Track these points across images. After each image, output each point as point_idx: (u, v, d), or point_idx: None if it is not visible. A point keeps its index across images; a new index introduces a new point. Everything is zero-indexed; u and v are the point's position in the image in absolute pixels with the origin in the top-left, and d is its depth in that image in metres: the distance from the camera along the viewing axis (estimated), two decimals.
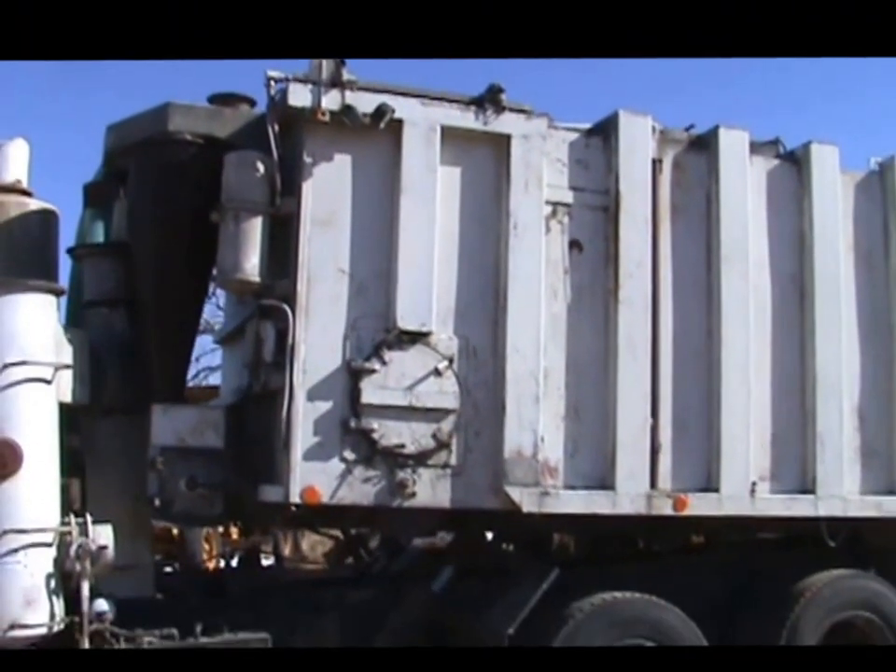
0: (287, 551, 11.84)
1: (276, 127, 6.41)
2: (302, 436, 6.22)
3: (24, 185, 6.54)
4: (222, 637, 6.27)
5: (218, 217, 6.43)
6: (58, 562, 5.92)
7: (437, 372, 6.49)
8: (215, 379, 16.84)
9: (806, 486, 7.33)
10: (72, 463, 6.56)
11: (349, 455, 6.30)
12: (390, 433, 6.36)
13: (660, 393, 7.00)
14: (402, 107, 6.48)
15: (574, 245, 6.95)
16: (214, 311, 15.71)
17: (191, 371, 15.03)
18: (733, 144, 7.32)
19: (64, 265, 7.30)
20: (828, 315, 7.45)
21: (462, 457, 6.51)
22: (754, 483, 7.13)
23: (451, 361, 6.54)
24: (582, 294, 6.94)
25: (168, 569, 9.13)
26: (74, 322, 7.18)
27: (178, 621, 6.24)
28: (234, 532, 11.81)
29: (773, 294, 7.44)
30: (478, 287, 6.70)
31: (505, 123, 6.75)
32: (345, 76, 6.36)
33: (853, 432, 7.55)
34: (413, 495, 6.38)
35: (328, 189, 6.45)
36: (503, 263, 6.68)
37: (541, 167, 6.81)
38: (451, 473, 6.48)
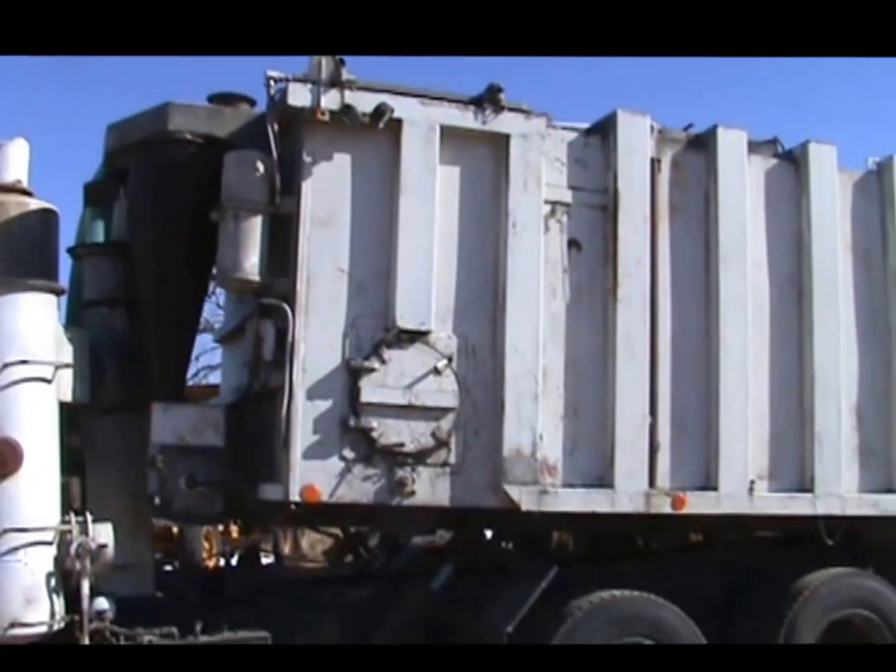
0: (286, 549, 11.87)
1: (276, 126, 6.42)
2: (302, 434, 6.23)
3: (24, 184, 6.54)
4: (222, 636, 6.28)
5: (218, 216, 6.44)
6: (58, 560, 5.93)
7: (436, 371, 6.50)
8: (215, 378, 16.87)
9: (805, 485, 7.34)
10: (72, 462, 6.57)
11: (348, 453, 6.31)
12: (389, 432, 6.38)
13: (658, 392, 7.01)
14: (402, 107, 6.49)
15: (573, 244, 6.97)
16: (214, 310, 15.76)
17: (191, 370, 15.05)
18: (731, 143, 7.34)
19: (65, 264, 7.33)
20: (826, 314, 7.47)
21: (461, 456, 6.53)
22: (752, 482, 7.14)
23: (450, 360, 6.56)
24: (581, 293, 6.95)
25: (168, 568, 9.14)
26: (74, 321, 7.19)
27: (178, 619, 6.25)
28: (234, 531, 11.83)
29: (771, 293, 7.45)
30: (477, 286, 6.71)
31: (504, 123, 6.77)
32: (345, 75, 6.37)
33: (851, 431, 7.56)
34: (413, 493, 6.39)
35: (327, 188, 6.46)
36: (502, 262, 6.70)
37: (540, 166, 6.83)
38: (450, 472, 6.50)
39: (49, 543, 5.92)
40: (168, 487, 6.53)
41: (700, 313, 7.20)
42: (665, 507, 6.94)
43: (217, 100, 7.03)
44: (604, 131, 7.11)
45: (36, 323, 6.15)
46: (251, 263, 6.36)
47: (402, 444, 6.39)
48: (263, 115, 6.63)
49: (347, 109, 6.35)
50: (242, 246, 6.36)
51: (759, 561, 7.70)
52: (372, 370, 6.38)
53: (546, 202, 6.86)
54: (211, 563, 10.96)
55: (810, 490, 7.32)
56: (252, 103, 7.07)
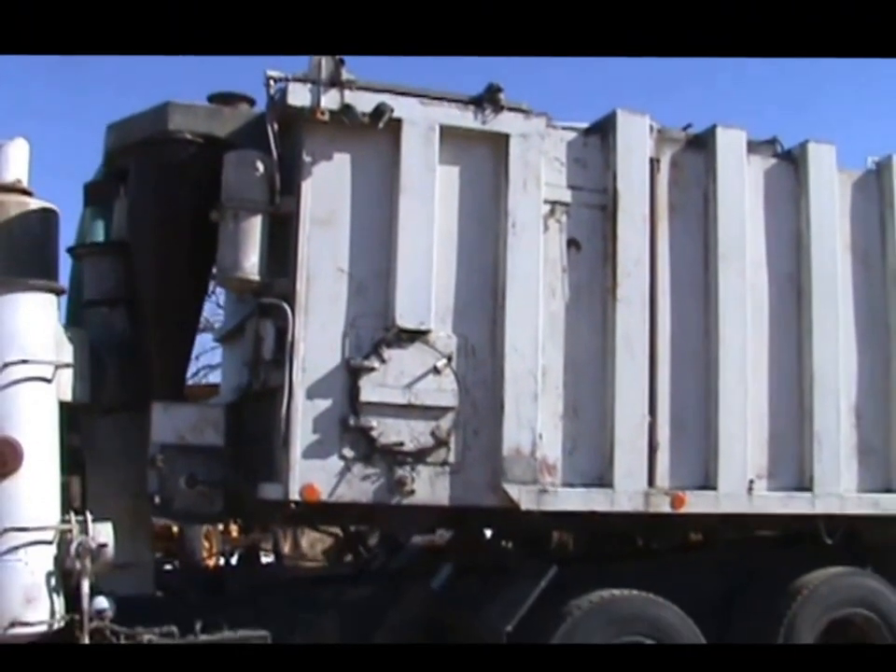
0: (286, 548, 11.88)
1: (276, 126, 6.42)
2: (302, 434, 6.24)
3: (25, 184, 6.55)
4: (222, 635, 6.27)
5: (218, 215, 6.44)
6: (58, 560, 5.93)
7: (436, 371, 6.51)
8: (215, 377, 16.87)
9: (804, 484, 7.35)
10: (72, 461, 6.57)
11: (348, 452, 6.32)
12: (389, 431, 6.39)
13: (658, 391, 7.02)
14: (401, 107, 6.50)
15: (572, 243, 6.98)
16: (214, 309, 15.77)
17: (191, 370, 15.06)
18: (730, 143, 7.34)
19: (65, 264, 7.34)
20: (825, 313, 7.47)
21: (461, 455, 6.53)
22: (752, 481, 7.15)
23: (449, 359, 6.56)
24: (580, 293, 6.96)
25: (168, 567, 9.16)
26: (74, 321, 7.20)
27: (178, 618, 6.26)
28: (234, 530, 11.84)
29: (770, 293, 7.46)
30: (476, 285, 6.72)
31: (503, 122, 6.78)
32: (344, 75, 6.38)
33: (850, 430, 7.56)
34: (412, 492, 6.40)
35: (327, 188, 6.47)
36: (501, 262, 6.71)
37: (540, 166, 6.83)
38: (449, 471, 6.50)
39: (50, 542, 5.93)
40: (168, 486, 6.54)
41: (699, 312, 7.21)
42: (664, 506, 6.94)
43: (216, 100, 7.04)
44: (603, 130, 7.11)
45: (36, 323, 6.15)
46: (251, 263, 6.36)
47: (402, 443, 6.40)
48: (263, 115, 6.64)
49: (347, 109, 6.36)
50: (242, 246, 6.36)
51: (758, 560, 7.71)
52: (372, 369, 6.39)
53: (545, 201, 6.87)
54: (211, 562, 10.98)
55: (809, 489, 7.33)
56: (252, 102, 7.08)
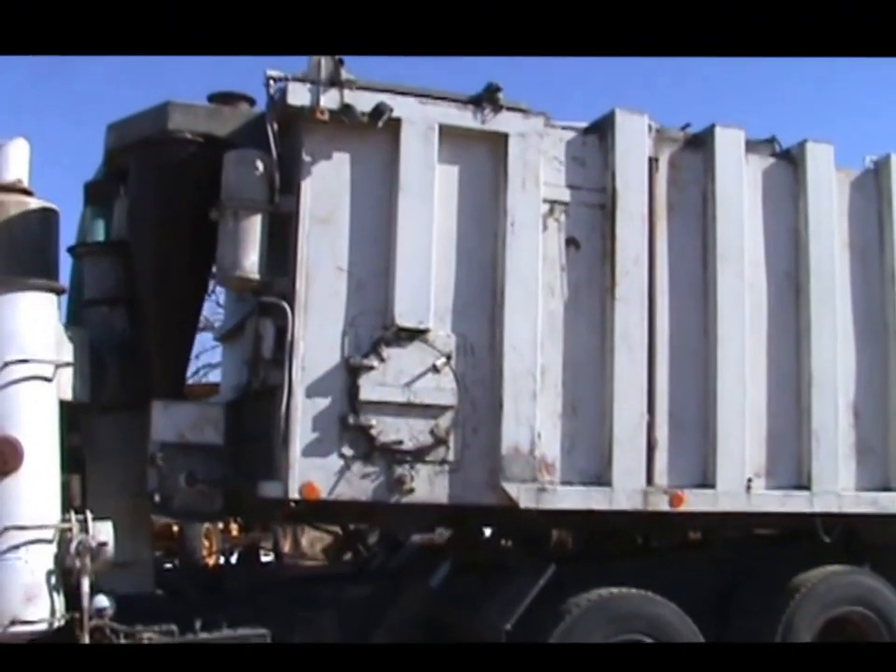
0: (286, 547, 11.89)
1: (275, 126, 6.44)
2: (301, 432, 6.26)
3: (25, 184, 6.56)
4: (221, 633, 6.28)
5: (218, 214, 6.46)
6: (58, 558, 5.94)
7: (435, 369, 6.53)
8: (215, 376, 16.89)
9: (802, 483, 7.36)
10: (72, 460, 6.58)
11: (347, 451, 6.33)
12: (388, 429, 6.40)
13: (656, 390, 7.03)
14: (400, 106, 6.51)
15: (571, 242, 6.99)
16: (214, 308, 15.78)
17: (192, 369, 15.08)
18: (728, 142, 7.35)
19: (65, 264, 7.35)
20: (823, 312, 7.49)
21: (460, 454, 6.55)
22: (750, 480, 7.15)
23: (449, 358, 6.58)
24: (579, 291, 6.97)
25: (168, 566, 9.17)
26: (74, 320, 7.21)
27: (178, 617, 6.28)
28: (234, 529, 11.86)
29: (768, 291, 7.47)
30: (475, 284, 6.74)
31: (502, 122, 6.79)
32: (344, 75, 6.40)
33: (848, 429, 7.58)
34: (411, 491, 6.41)
35: (326, 187, 6.48)
36: (500, 261, 6.72)
37: (538, 165, 6.85)
38: (448, 469, 6.52)
39: (50, 541, 5.94)
40: (168, 485, 6.56)
41: (698, 311, 7.23)
42: (662, 505, 6.96)
43: (216, 99, 7.05)
44: (602, 130, 7.13)
45: (37, 322, 6.16)
46: (251, 262, 6.38)
47: (401, 442, 6.41)
48: (263, 114, 6.66)
49: (346, 109, 6.37)
50: (241, 245, 6.38)
51: (756, 558, 7.72)
52: (371, 368, 6.41)
53: (544, 200, 6.88)
54: (211, 561, 11.00)
55: (807, 488, 7.34)
56: (252, 102, 7.09)
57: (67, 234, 7.28)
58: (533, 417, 6.65)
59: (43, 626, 5.85)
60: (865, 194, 7.90)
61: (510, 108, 6.80)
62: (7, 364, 5.94)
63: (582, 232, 7.03)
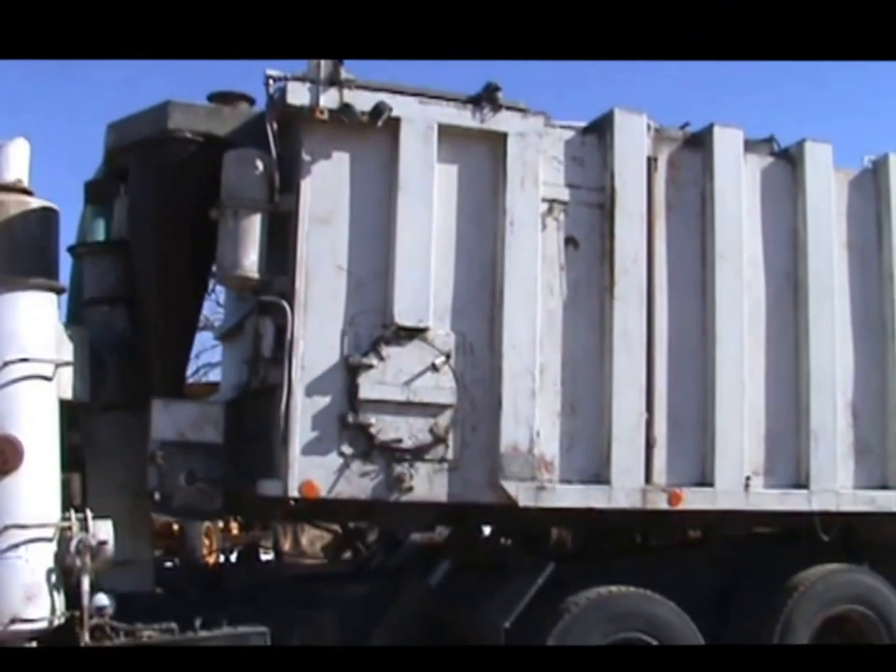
0: (286, 546, 11.91)
1: (275, 125, 6.46)
2: (301, 431, 6.27)
3: (25, 184, 6.57)
4: (221, 631, 6.28)
5: (218, 214, 6.47)
6: (58, 557, 5.95)
7: (434, 368, 6.54)
8: (215, 375, 16.90)
9: (800, 481, 7.38)
10: (72, 459, 6.59)
11: (347, 449, 6.35)
12: (388, 428, 6.42)
13: (655, 389, 7.04)
14: (400, 106, 6.53)
15: (570, 241, 7.01)
16: (214, 307, 15.79)
17: (192, 368, 15.13)
18: (727, 142, 7.37)
19: (65, 263, 7.36)
20: (822, 311, 7.50)
21: (459, 452, 6.56)
22: (748, 478, 7.17)
23: (448, 357, 6.59)
24: (578, 290, 6.99)
25: (168, 564, 9.19)
26: (74, 320, 7.22)
27: (178, 615, 6.28)
28: (234, 527, 11.88)
29: (767, 291, 7.48)
30: (475, 283, 6.75)
31: (501, 121, 6.80)
32: (343, 74, 6.41)
33: (846, 428, 7.59)
34: (411, 489, 6.43)
35: (326, 186, 6.50)
36: (499, 260, 6.74)
37: (537, 165, 6.86)
38: (448, 468, 6.53)
39: (50, 540, 5.95)
40: (168, 483, 6.57)
41: (696, 310, 7.24)
42: (661, 503, 6.97)
43: (216, 99, 7.07)
44: (601, 129, 7.14)
45: (37, 321, 6.17)
46: (250, 261, 6.39)
47: (400, 441, 6.43)
48: (262, 114, 6.67)
49: (346, 108, 6.39)
50: (241, 244, 6.39)
51: (755, 557, 7.74)
52: (371, 366, 6.42)
53: (543, 200, 6.90)
54: (211, 559, 11.02)
55: (806, 486, 7.36)
56: (251, 102, 7.10)
57: (67, 234, 7.30)
58: (532, 416, 6.67)
59: (43, 625, 5.87)
60: (864, 194, 7.92)
61: (509, 108, 6.82)
62: (7, 363, 5.95)
63: (581, 232, 7.05)
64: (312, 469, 6.27)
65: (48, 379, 6.13)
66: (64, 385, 6.32)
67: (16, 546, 5.84)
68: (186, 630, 6.22)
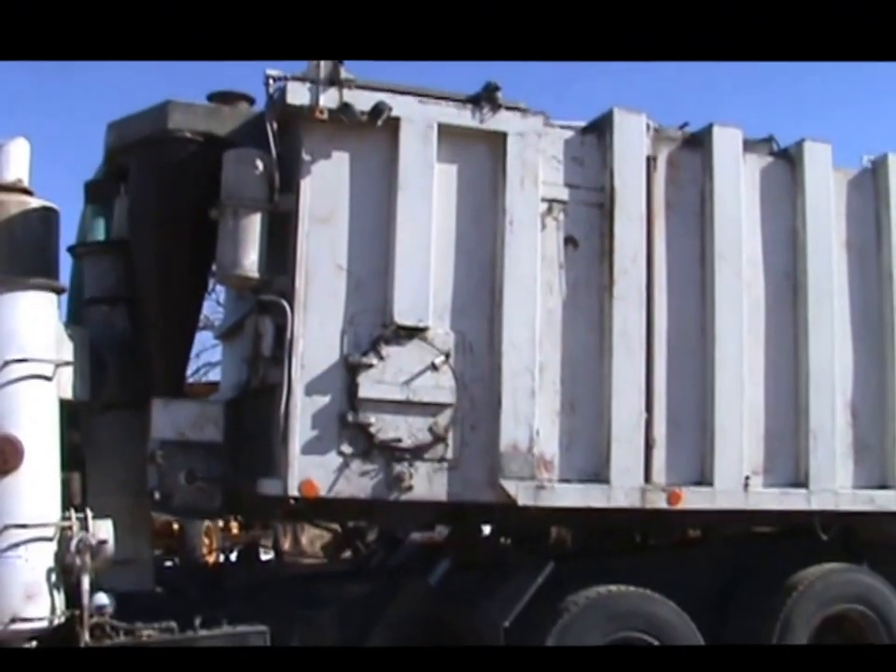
0: (286, 545, 11.92)
1: (275, 125, 6.46)
2: (300, 430, 6.28)
3: (25, 184, 6.58)
4: (221, 630, 6.29)
5: (218, 213, 6.48)
6: (58, 556, 5.96)
7: (433, 367, 6.55)
8: (215, 375, 16.90)
9: (799, 481, 7.39)
10: (72, 458, 6.60)
11: (346, 448, 6.36)
12: (387, 427, 6.42)
13: (654, 388, 7.05)
14: (399, 105, 6.53)
15: (569, 241, 7.02)
16: (214, 307, 15.78)
17: (192, 367, 15.13)
18: (726, 141, 7.38)
19: (65, 263, 7.37)
20: (821, 311, 7.51)
21: (458, 451, 6.57)
22: (747, 478, 7.18)
23: (447, 356, 6.60)
24: (577, 290, 7.00)
25: (168, 564, 9.19)
26: (74, 319, 7.22)
27: (178, 614, 6.28)
28: (234, 527, 11.89)
29: (766, 290, 7.49)
30: (474, 282, 6.76)
31: (501, 121, 6.81)
32: (343, 74, 6.42)
33: (845, 427, 7.60)
34: (410, 488, 6.44)
35: (326, 186, 6.50)
36: (499, 259, 6.75)
37: (537, 164, 6.87)
38: (447, 467, 6.54)
39: (50, 539, 5.96)
40: (167, 482, 6.59)
41: (696, 310, 7.25)
42: (660, 502, 6.98)
43: (216, 98, 7.07)
44: (600, 129, 7.15)
45: (37, 321, 6.18)
46: (250, 260, 6.40)
47: (400, 440, 6.44)
48: (262, 113, 6.67)
49: (345, 108, 6.39)
50: (241, 244, 6.40)
51: (754, 556, 7.75)
52: (370, 366, 6.43)
53: (543, 199, 6.90)
54: (211, 559, 11.03)
55: (805, 486, 7.36)
56: (251, 101, 7.11)
57: (67, 234, 7.31)
58: (531, 415, 6.68)
59: (43, 624, 5.88)
60: (863, 194, 7.92)
61: (508, 108, 6.83)
62: (7, 363, 5.96)
63: (581, 231, 7.05)
64: (311, 469, 6.28)
65: (48, 379, 6.14)
66: (65, 384, 6.33)
67: (16, 545, 5.85)
68: (185, 629, 6.23)
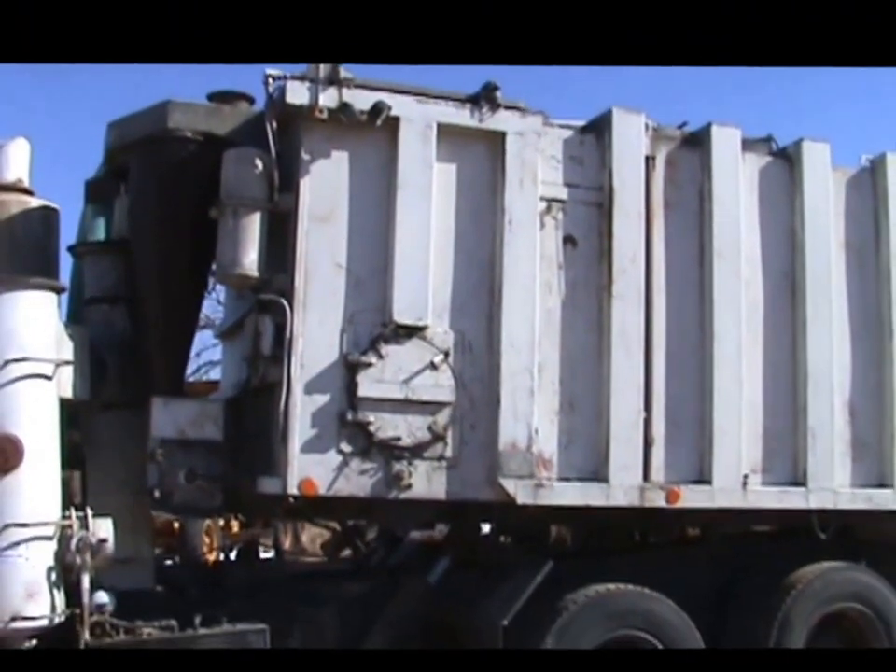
0: (287, 544, 11.93)
1: (274, 124, 6.47)
2: (300, 428, 6.29)
3: (25, 183, 6.59)
4: (221, 629, 6.30)
5: (217, 212, 6.49)
6: (59, 555, 5.98)
7: (433, 366, 6.56)
8: (216, 374, 16.90)
9: (798, 479, 7.39)
10: (72, 457, 6.61)
11: (346, 447, 6.37)
12: (386, 426, 6.44)
13: (653, 387, 7.06)
14: (398, 105, 6.54)
15: (568, 240, 7.02)
16: (214, 306, 15.76)
17: (193, 367, 15.14)
18: (725, 141, 7.39)
19: (65, 262, 7.38)
20: (819, 310, 7.51)
21: (457, 450, 6.59)
22: (746, 476, 7.19)
23: (447, 355, 6.61)
24: (576, 289, 7.01)
25: (168, 562, 9.20)
26: (75, 319, 7.23)
27: (178, 612, 6.29)
28: (235, 525, 11.90)
29: (765, 289, 7.50)
30: (473, 282, 6.77)
31: (500, 121, 6.82)
32: (342, 74, 6.42)
33: (844, 426, 7.61)
34: (409, 487, 6.45)
35: (325, 185, 6.51)
36: (498, 259, 6.76)
37: (536, 164, 6.88)
38: (446, 465, 6.55)
39: (50, 538, 5.97)
40: (167, 480, 6.60)
41: (694, 309, 7.26)
42: (659, 500, 6.99)
43: (216, 98, 7.08)
44: (599, 128, 7.16)
45: (37, 320, 6.19)
46: (250, 259, 6.41)
47: (399, 438, 6.45)
48: (262, 113, 6.68)
49: (345, 107, 6.40)
50: (241, 243, 6.41)
51: (753, 555, 7.76)
52: (370, 364, 6.44)
53: (542, 198, 6.91)
54: (211, 557, 11.04)
55: (803, 484, 7.37)
56: (251, 101, 7.11)
57: (68, 233, 7.31)
58: (530, 414, 6.69)
59: (43, 622, 5.89)
60: (861, 193, 7.93)
61: (507, 107, 6.83)
62: (7, 362, 5.97)
63: (580, 231, 7.06)
64: (311, 467, 6.29)
65: (48, 378, 6.15)
66: (65, 383, 6.34)
67: (16, 544, 5.86)
68: (186, 628, 6.24)
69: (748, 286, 7.38)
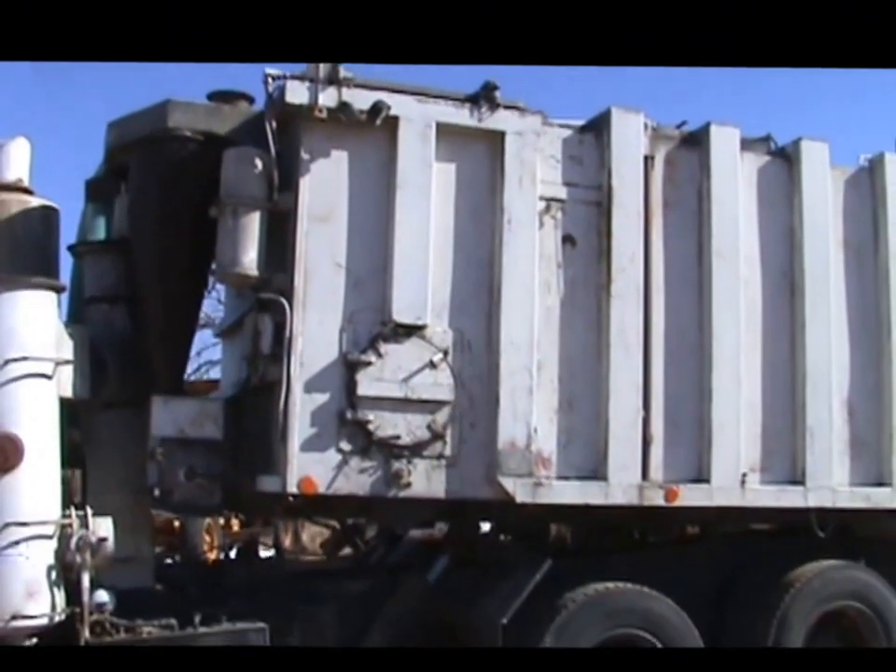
0: (287, 542, 11.94)
1: (274, 124, 6.48)
2: (299, 427, 6.31)
3: (26, 183, 6.60)
4: (221, 627, 6.32)
5: (217, 212, 6.50)
6: (59, 554, 5.99)
7: (432, 365, 6.57)
8: (216, 373, 16.89)
9: (796, 478, 7.40)
10: (72, 456, 6.63)
11: (345, 445, 6.38)
12: (386, 424, 6.45)
13: (652, 386, 7.07)
14: (398, 104, 6.55)
15: (567, 239, 7.03)
16: (214, 305, 15.73)
17: (193, 366, 15.13)
18: (724, 140, 7.40)
19: (66, 262, 7.39)
20: (818, 309, 7.53)
21: (457, 448, 6.60)
22: (745, 475, 7.21)
23: (446, 354, 6.63)
24: (575, 288, 7.02)
25: (169, 561, 9.21)
26: (75, 318, 7.23)
27: (178, 611, 6.30)
28: (235, 524, 11.91)
29: (763, 288, 7.51)
30: (473, 281, 6.78)
31: (499, 120, 6.83)
32: (342, 73, 6.43)
33: (842, 425, 7.62)
34: (409, 485, 6.46)
35: (325, 184, 6.52)
36: (497, 258, 6.77)
37: (535, 163, 6.89)
38: (445, 464, 6.57)
39: (50, 537, 5.98)
40: (167, 479, 6.61)
41: (693, 308, 7.27)
42: (657, 499, 7.00)
43: (216, 97, 7.09)
44: (598, 128, 7.17)
45: (37, 320, 6.20)
46: (250, 259, 6.42)
47: (398, 437, 6.46)
48: (262, 112, 6.69)
49: (344, 107, 6.41)
50: (240, 242, 6.42)
51: (752, 553, 7.76)
52: (369, 363, 6.45)
53: (541, 198, 6.92)
54: (212, 556, 11.05)
55: (802, 483, 7.38)
56: (251, 100, 7.12)
57: (68, 232, 7.32)
58: (529, 413, 6.70)
59: (43, 621, 5.90)
60: (860, 192, 7.94)
61: (506, 107, 6.84)
62: (7, 361, 5.98)
63: (579, 230, 7.07)
64: (310, 466, 6.31)
65: (48, 377, 6.16)
66: (65, 382, 6.35)
67: (16, 543, 5.87)
68: (185, 626, 6.25)
69: (746, 285, 7.39)
